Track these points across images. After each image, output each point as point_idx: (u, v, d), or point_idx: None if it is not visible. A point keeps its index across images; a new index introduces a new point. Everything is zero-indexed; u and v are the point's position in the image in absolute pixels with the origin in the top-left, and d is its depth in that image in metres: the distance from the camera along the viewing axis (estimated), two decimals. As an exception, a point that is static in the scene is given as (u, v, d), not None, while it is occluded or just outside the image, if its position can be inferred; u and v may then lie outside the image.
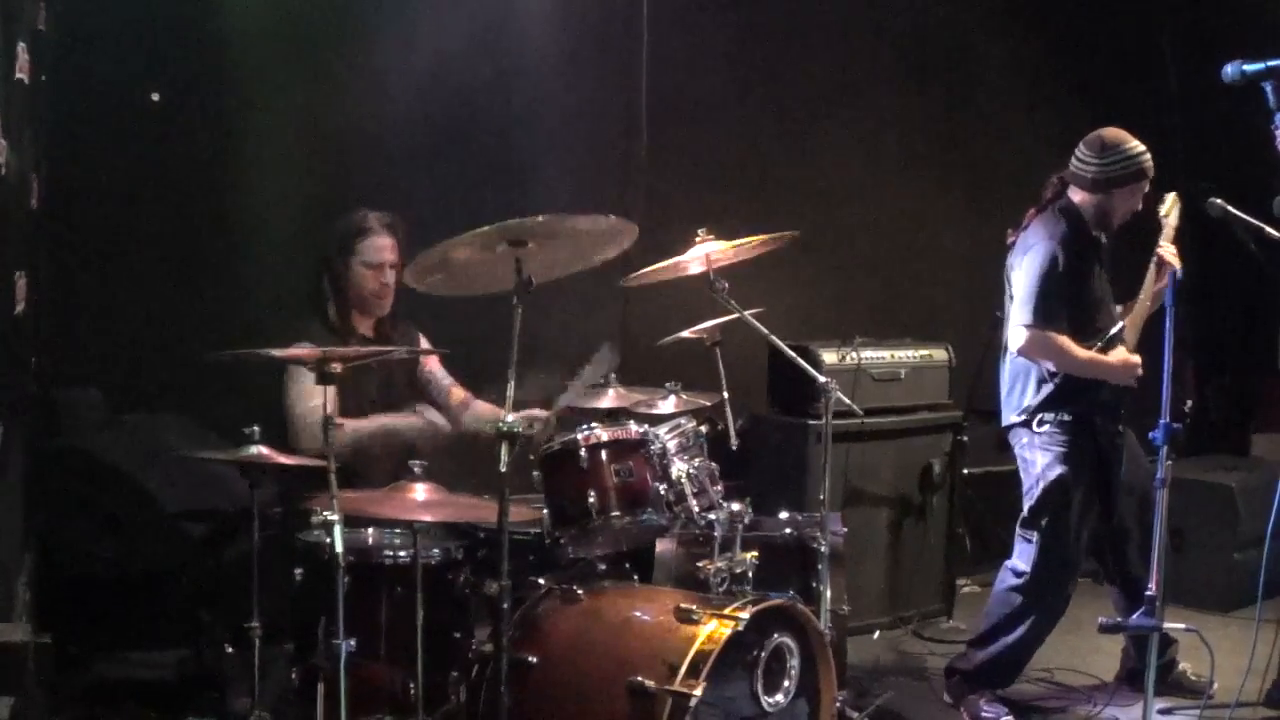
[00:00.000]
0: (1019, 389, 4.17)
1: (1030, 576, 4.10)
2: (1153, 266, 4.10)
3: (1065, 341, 3.99)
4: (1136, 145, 4.05)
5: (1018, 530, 4.18)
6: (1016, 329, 4.05)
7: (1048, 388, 4.08)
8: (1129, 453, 4.14)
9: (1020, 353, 4.07)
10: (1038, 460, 4.11)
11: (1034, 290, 4.01)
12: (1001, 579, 4.22)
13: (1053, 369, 4.06)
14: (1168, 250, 4.06)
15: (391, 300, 3.89)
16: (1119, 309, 4.18)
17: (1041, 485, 4.09)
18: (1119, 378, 4.02)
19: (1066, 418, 4.05)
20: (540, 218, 3.03)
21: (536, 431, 3.74)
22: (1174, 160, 4.19)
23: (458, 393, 4.06)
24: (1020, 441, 4.18)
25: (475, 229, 3.03)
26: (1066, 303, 4.01)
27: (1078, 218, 4.10)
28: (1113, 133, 4.08)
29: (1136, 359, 4.02)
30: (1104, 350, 4.02)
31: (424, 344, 4.03)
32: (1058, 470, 4.06)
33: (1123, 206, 4.10)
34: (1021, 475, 4.19)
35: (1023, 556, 4.15)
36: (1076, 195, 4.13)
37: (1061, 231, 4.06)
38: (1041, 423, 4.09)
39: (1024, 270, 4.07)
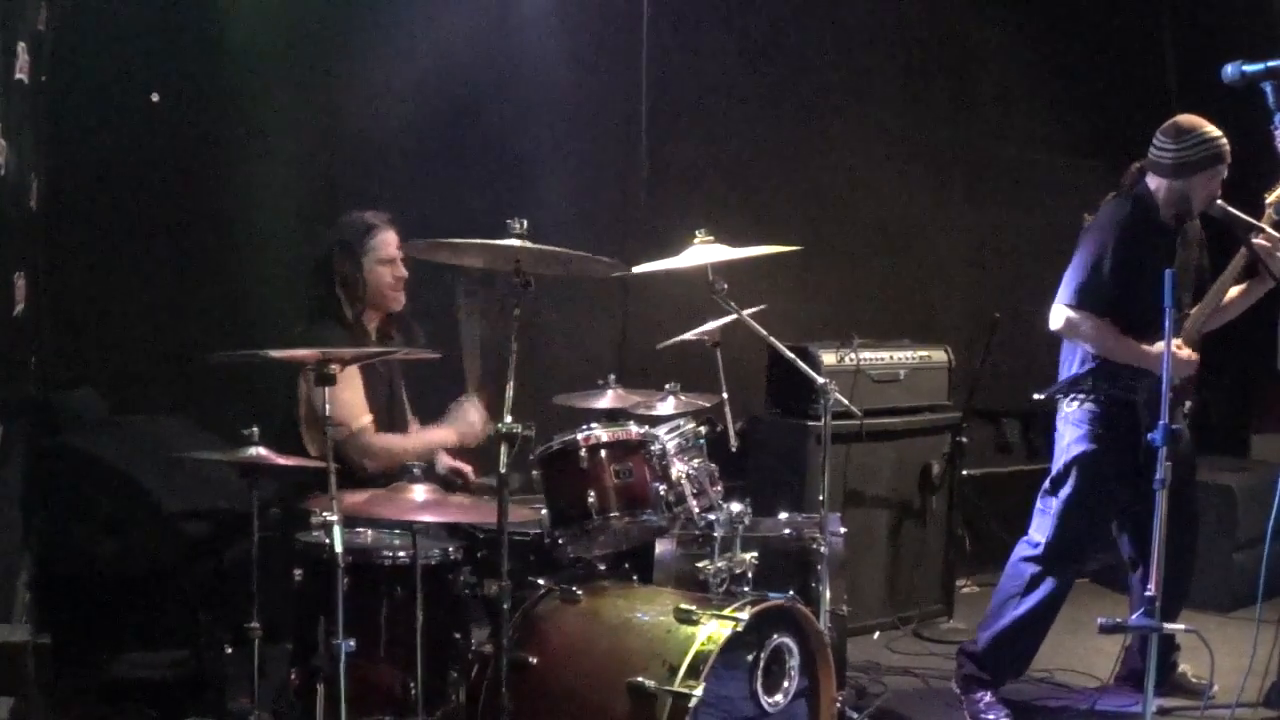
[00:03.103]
0: (1067, 364, 4.21)
1: (1044, 547, 4.13)
2: (1239, 257, 4.04)
3: (1100, 325, 4.01)
4: (1212, 130, 4.03)
5: (1037, 502, 4.22)
6: (1056, 307, 4.07)
7: (1089, 366, 4.11)
8: (1179, 449, 4.12)
9: (1056, 331, 4.10)
10: (1066, 435, 4.16)
11: (1080, 271, 4.04)
12: (1017, 551, 4.25)
13: (1091, 350, 4.08)
14: (1266, 241, 3.99)
15: (404, 296, 3.89)
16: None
17: (1064, 460, 4.14)
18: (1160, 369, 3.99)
19: (1103, 400, 4.07)
20: (535, 247, 3.02)
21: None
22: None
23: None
24: (1058, 415, 4.22)
25: (477, 239, 3.02)
26: (1116, 288, 4.00)
27: (1148, 204, 4.09)
28: (1188, 119, 4.08)
29: (1183, 352, 3.99)
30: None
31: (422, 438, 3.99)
32: (1081, 448, 4.09)
33: (1202, 191, 4.06)
34: (1054, 448, 4.23)
35: (1040, 528, 4.18)
36: (1153, 182, 4.12)
37: (1124, 217, 4.06)
38: (1074, 400, 4.12)
39: (1079, 251, 4.10)
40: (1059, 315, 4.07)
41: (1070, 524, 4.12)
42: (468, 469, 4.02)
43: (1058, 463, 4.18)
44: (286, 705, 3.25)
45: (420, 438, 3.87)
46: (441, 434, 3.86)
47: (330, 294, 3.79)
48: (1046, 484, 4.21)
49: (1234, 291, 4.14)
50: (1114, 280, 4.01)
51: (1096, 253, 4.04)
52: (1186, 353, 4.01)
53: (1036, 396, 4.26)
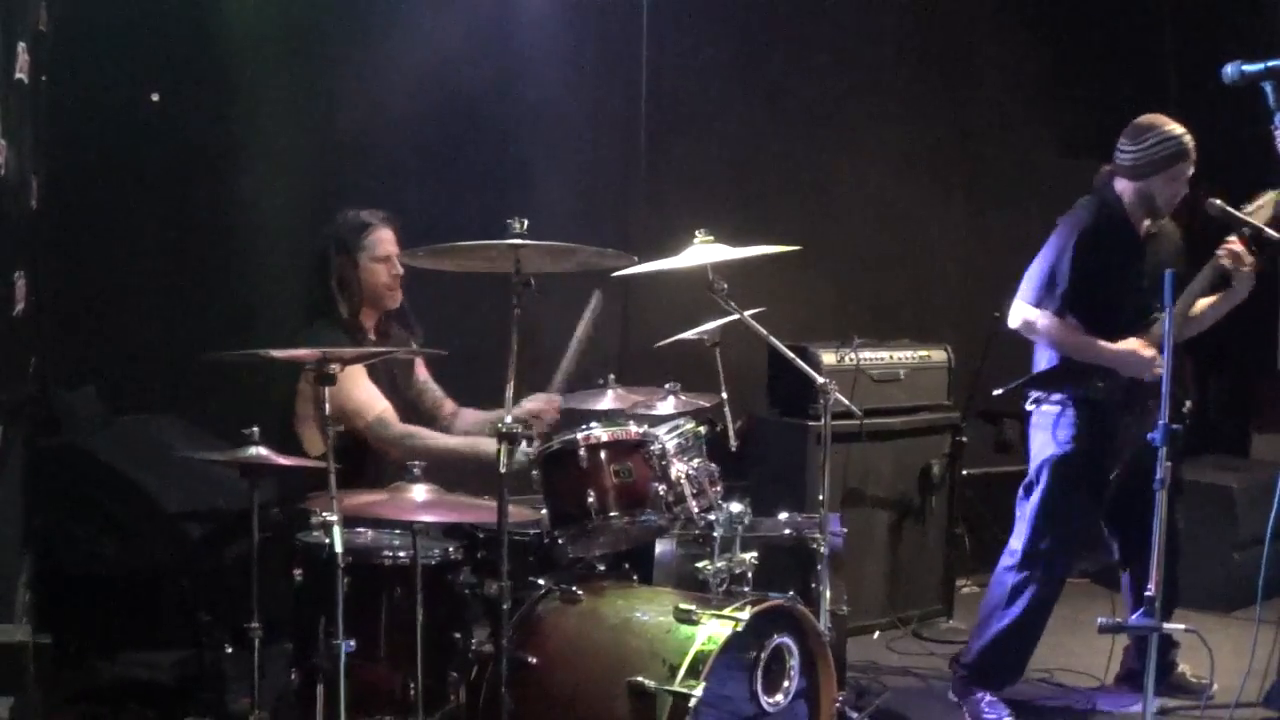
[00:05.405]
0: (1035, 367, 4.21)
1: (1023, 552, 4.13)
2: (1209, 267, 4.01)
3: (1057, 323, 4.01)
4: (1173, 128, 4.00)
5: (1017, 508, 4.22)
6: (1015, 304, 4.08)
7: (1050, 368, 4.11)
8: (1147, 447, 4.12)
9: (1016, 329, 4.10)
10: (1036, 438, 4.16)
11: (1040, 271, 4.06)
12: (1000, 561, 4.25)
13: (1051, 349, 4.08)
14: (1232, 246, 3.93)
15: (401, 293, 3.88)
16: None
17: (1035, 462, 4.14)
18: (1126, 366, 4.00)
19: (1067, 399, 4.06)
20: (544, 244, 3.01)
21: (547, 421, 3.76)
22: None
23: (449, 404, 4.05)
24: (1030, 420, 4.22)
25: (476, 239, 3.02)
26: (1075, 289, 4.00)
27: (1114, 207, 4.09)
28: (1148, 117, 4.06)
29: (1147, 351, 3.97)
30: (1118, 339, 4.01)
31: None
32: (1050, 450, 4.09)
33: (1166, 191, 4.05)
34: (1029, 452, 4.24)
35: (1018, 535, 4.19)
36: (1119, 184, 4.11)
37: (1088, 219, 4.06)
38: (1038, 401, 4.12)
39: (1042, 251, 4.10)
40: (1017, 313, 4.09)
41: (1043, 527, 4.09)
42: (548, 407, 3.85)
43: (1030, 467, 4.17)
44: (286, 705, 3.25)
45: (471, 440, 3.74)
46: (483, 441, 3.70)
47: (326, 293, 3.79)
48: (1021, 490, 4.20)
49: (1205, 302, 4.11)
50: (1073, 281, 4.00)
51: (1056, 253, 4.04)
52: (1151, 352, 3.97)
53: (997, 393, 4.26)
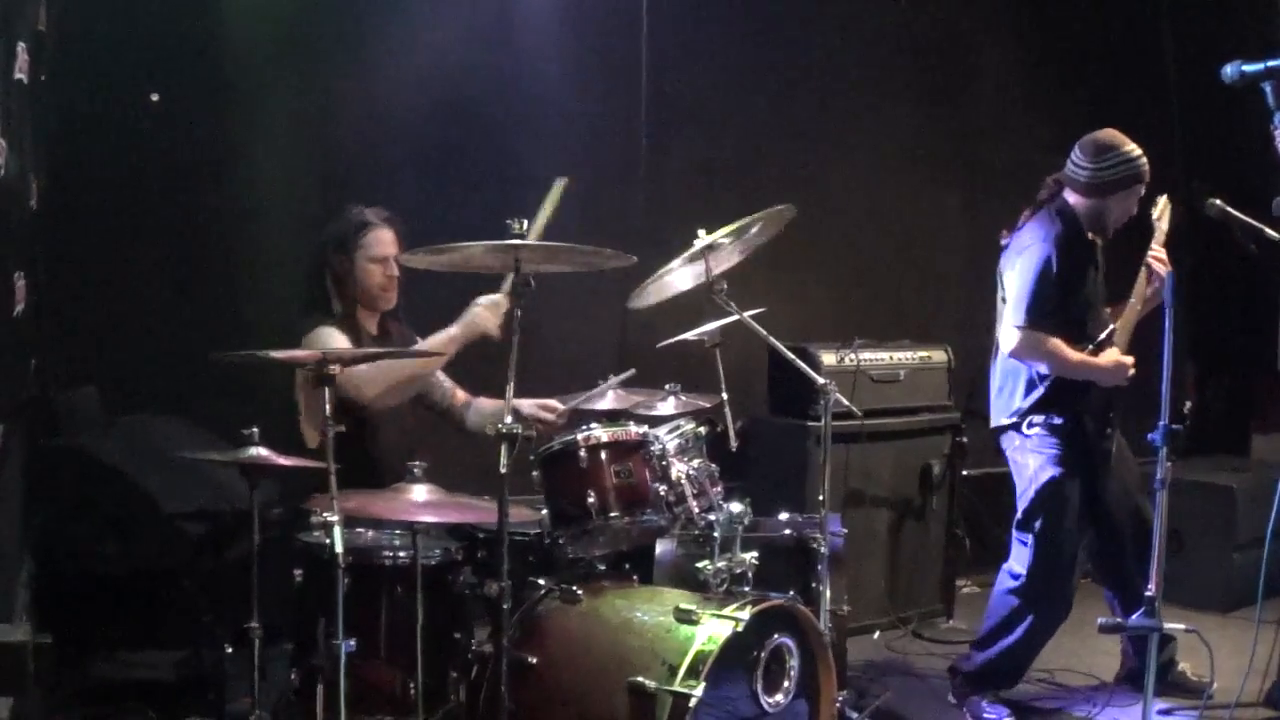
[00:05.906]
0: (1008, 391, 4.17)
1: (1027, 579, 4.10)
2: (1143, 270, 4.08)
3: (1057, 343, 3.99)
4: (1132, 149, 4.02)
5: (1013, 533, 4.19)
6: (1009, 330, 4.05)
7: (1038, 390, 4.08)
8: (1119, 456, 4.14)
9: (1012, 354, 4.06)
10: (1030, 463, 4.11)
11: (1027, 291, 4.01)
12: (1000, 582, 4.23)
13: (1043, 371, 4.05)
14: (1158, 254, 4.03)
15: (396, 295, 3.88)
16: (1108, 311, 4.17)
17: (1034, 488, 4.09)
18: (1110, 379, 4.02)
19: (1056, 420, 4.05)
20: (544, 244, 3.01)
21: (554, 421, 3.77)
22: (1173, 161, 4.17)
23: (460, 394, 4.05)
24: (1011, 445, 4.18)
25: (476, 239, 3.01)
26: (1059, 305, 4.00)
27: (1073, 219, 4.09)
28: (1108, 135, 4.06)
29: (1128, 359, 4.02)
30: (1094, 352, 4.02)
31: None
32: (1050, 472, 4.06)
33: (1117, 210, 4.08)
34: (1014, 478, 4.20)
35: (1019, 559, 4.15)
36: (1071, 197, 4.11)
37: (1056, 233, 4.04)
38: (1031, 425, 4.09)
39: (1018, 271, 4.07)
40: (1012, 337, 4.02)
41: (1051, 552, 4.06)
42: (552, 412, 3.92)
43: (1026, 494, 4.12)
44: (286, 705, 3.25)
45: (444, 334, 3.68)
46: (443, 335, 3.68)
47: (322, 289, 3.79)
48: (1019, 516, 4.15)
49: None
50: (1060, 296, 3.99)
51: (1041, 270, 4.00)
52: (1130, 359, 4.01)
53: (994, 426, 4.23)
